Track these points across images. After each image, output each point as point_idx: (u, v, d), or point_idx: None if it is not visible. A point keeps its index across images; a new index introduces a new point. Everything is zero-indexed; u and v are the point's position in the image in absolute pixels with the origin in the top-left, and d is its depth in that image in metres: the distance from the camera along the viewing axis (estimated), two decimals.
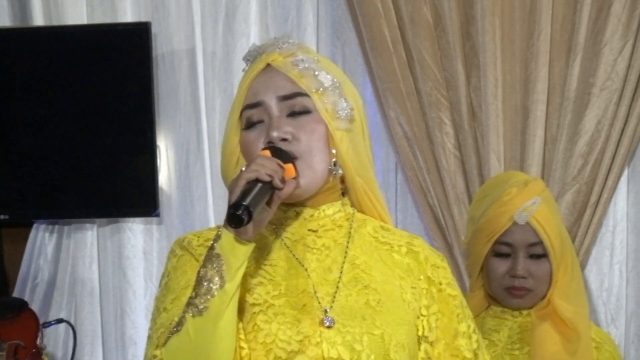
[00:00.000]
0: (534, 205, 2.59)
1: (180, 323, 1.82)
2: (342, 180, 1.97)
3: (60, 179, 3.52)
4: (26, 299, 3.57)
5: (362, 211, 2.01)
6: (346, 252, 1.95)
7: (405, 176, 3.44)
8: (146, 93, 3.46)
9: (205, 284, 1.82)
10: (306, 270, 1.92)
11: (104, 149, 3.49)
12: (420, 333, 1.93)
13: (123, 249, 3.57)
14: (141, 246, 3.58)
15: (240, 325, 1.87)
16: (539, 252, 2.60)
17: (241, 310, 1.87)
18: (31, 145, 3.51)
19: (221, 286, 1.81)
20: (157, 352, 1.86)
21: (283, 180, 1.84)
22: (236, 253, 1.82)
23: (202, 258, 1.86)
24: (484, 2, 3.30)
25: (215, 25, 3.56)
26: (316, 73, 1.94)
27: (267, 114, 1.93)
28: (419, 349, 1.92)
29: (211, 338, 1.81)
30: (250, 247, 1.83)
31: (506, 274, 2.60)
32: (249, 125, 1.94)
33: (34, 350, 3.22)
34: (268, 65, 1.95)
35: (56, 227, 3.61)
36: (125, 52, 3.48)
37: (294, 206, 1.96)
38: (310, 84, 1.93)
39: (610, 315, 3.35)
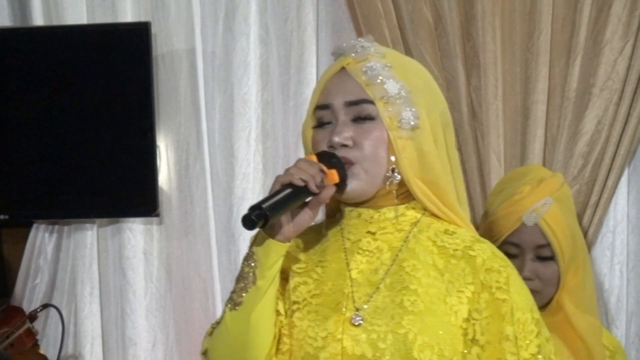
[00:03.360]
0: (544, 207, 2.54)
1: (222, 316, 1.97)
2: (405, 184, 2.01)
3: (60, 179, 3.52)
4: (26, 299, 3.57)
5: (433, 214, 2.04)
6: (397, 256, 2.00)
7: None
8: (146, 93, 3.46)
9: (242, 280, 1.93)
10: (350, 271, 1.98)
11: (104, 149, 3.49)
12: (470, 337, 1.95)
13: (123, 249, 3.56)
14: (141, 246, 3.57)
15: (286, 321, 1.98)
16: (547, 254, 2.55)
17: (287, 308, 1.99)
18: (31, 145, 3.51)
19: (254, 283, 1.91)
20: (205, 342, 2.02)
21: (321, 185, 1.89)
22: (268, 252, 1.90)
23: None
24: (484, 2, 3.30)
25: (215, 25, 3.55)
26: (383, 81, 1.98)
27: (335, 117, 1.99)
28: (469, 352, 1.95)
29: (245, 330, 1.92)
30: (284, 246, 1.91)
31: None
32: (319, 125, 2.02)
33: (25, 330, 3.22)
34: (343, 68, 2.01)
35: (56, 227, 3.61)
36: (125, 52, 3.47)
37: (356, 208, 2.02)
38: (376, 92, 1.98)
39: (611, 315, 3.34)
